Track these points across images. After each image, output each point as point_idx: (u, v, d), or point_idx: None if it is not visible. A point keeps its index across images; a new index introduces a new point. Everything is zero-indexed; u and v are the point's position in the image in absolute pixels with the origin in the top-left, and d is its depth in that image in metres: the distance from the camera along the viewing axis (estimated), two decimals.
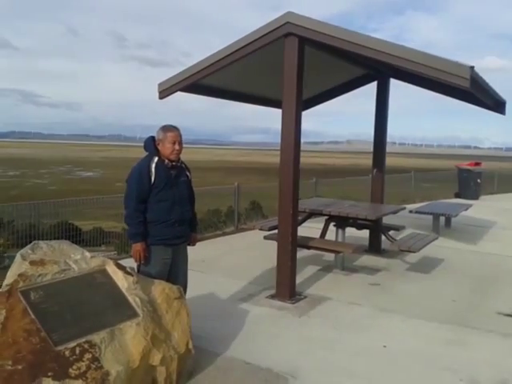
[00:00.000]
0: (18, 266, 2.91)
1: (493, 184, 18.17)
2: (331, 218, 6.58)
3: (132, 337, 2.91)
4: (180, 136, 3.64)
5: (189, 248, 3.96)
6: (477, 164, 16.25)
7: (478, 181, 15.57)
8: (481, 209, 12.36)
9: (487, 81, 4.69)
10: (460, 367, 3.60)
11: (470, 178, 15.44)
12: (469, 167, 15.84)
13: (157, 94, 5.69)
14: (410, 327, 4.42)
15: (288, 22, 4.66)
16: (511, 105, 5.91)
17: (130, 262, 3.63)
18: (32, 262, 2.96)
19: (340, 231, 6.49)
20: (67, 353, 2.61)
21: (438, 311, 4.85)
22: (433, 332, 4.31)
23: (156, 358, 2.96)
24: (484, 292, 5.60)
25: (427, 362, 3.70)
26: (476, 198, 15.22)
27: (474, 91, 4.24)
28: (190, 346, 3.29)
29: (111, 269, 3.25)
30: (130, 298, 3.11)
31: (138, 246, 3.51)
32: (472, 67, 3.93)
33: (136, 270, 3.54)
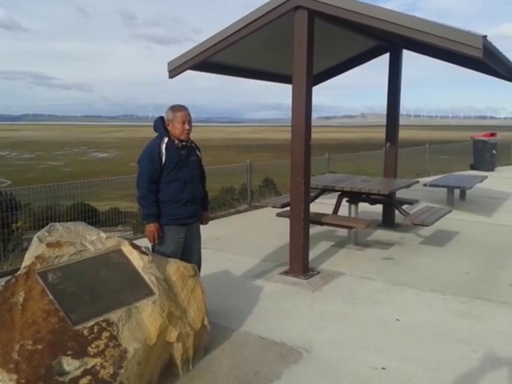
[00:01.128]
0: (35, 248, 2.98)
1: (509, 155, 17.88)
2: (344, 194, 6.57)
3: (149, 314, 2.98)
4: (189, 115, 3.64)
5: (203, 226, 4.01)
6: (492, 135, 15.97)
7: (494, 152, 15.34)
8: (496, 180, 12.22)
9: (503, 49, 4.57)
10: (473, 339, 3.62)
11: (485, 149, 15.22)
12: (484, 138, 15.60)
13: (167, 73, 5.67)
14: (423, 300, 4.44)
15: None
16: None
17: (146, 242, 3.69)
18: (49, 244, 3.02)
19: (353, 207, 6.49)
20: (85, 332, 2.69)
21: (452, 284, 4.86)
22: (446, 305, 4.33)
23: (172, 335, 3.03)
24: (498, 264, 5.57)
25: (440, 334, 3.72)
26: (491, 169, 15.02)
27: (487, 61, 4.14)
28: (206, 322, 3.36)
29: (126, 249, 3.31)
30: (145, 277, 3.18)
31: (151, 227, 3.56)
32: (484, 36, 3.84)
33: (151, 249, 3.60)
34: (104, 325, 2.76)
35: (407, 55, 7.23)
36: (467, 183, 9.34)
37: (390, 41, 6.78)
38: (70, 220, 6.65)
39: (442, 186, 9.24)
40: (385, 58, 7.30)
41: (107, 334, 2.73)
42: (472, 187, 9.30)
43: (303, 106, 4.79)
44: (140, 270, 3.20)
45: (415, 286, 4.79)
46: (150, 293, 3.09)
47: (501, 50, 4.51)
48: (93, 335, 2.69)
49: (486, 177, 10.50)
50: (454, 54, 4.28)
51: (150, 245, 3.67)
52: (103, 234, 3.32)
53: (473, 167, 15.35)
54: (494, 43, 4.15)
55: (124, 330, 2.80)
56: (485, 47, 3.83)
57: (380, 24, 4.26)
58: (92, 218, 7.40)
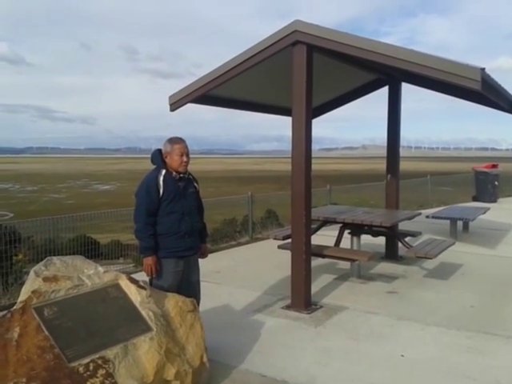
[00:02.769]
0: (32, 282, 2.93)
1: (511, 186, 17.86)
2: (345, 226, 6.52)
3: (146, 351, 2.90)
4: (187, 148, 3.65)
5: (204, 259, 3.96)
6: (494, 166, 16.00)
7: (496, 183, 15.33)
8: (499, 212, 12.16)
9: (501, 81, 4.61)
10: (480, 375, 3.51)
11: (487, 180, 15.22)
12: (485, 169, 15.62)
13: (168, 106, 5.73)
14: (428, 335, 4.34)
15: (296, 31, 4.66)
16: None
17: (145, 276, 3.63)
18: (45, 279, 2.97)
19: (355, 239, 6.43)
20: (81, 369, 2.61)
21: (457, 318, 4.76)
22: (452, 339, 4.22)
23: (170, 373, 2.95)
24: (503, 297, 5.47)
25: (446, 370, 3.61)
26: (494, 200, 14.98)
27: (486, 93, 4.17)
28: (205, 359, 3.27)
29: (124, 283, 3.25)
30: (143, 313, 3.11)
31: (149, 260, 3.52)
32: (483, 69, 3.87)
33: (149, 283, 3.55)
34: (100, 362, 2.69)
35: (407, 88, 7.32)
36: (470, 215, 9.29)
37: (389, 74, 6.87)
38: (72, 253, 6.61)
39: (445, 218, 9.19)
40: (385, 91, 7.39)
41: (103, 371, 2.65)
42: (475, 219, 9.25)
43: (303, 138, 4.81)
44: (137, 305, 3.14)
45: (420, 321, 4.69)
46: (148, 329, 3.02)
47: (499, 82, 4.56)
48: (88, 373, 2.62)
49: (488, 208, 10.46)
50: (453, 86, 4.32)
51: (148, 278, 3.62)
52: (101, 268, 3.28)
53: (475, 199, 15.31)
54: (492, 76, 4.20)
55: (120, 367, 2.73)
56: (483, 79, 3.86)
57: (378, 58, 4.31)
58: (93, 250, 7.36)
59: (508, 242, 8.77)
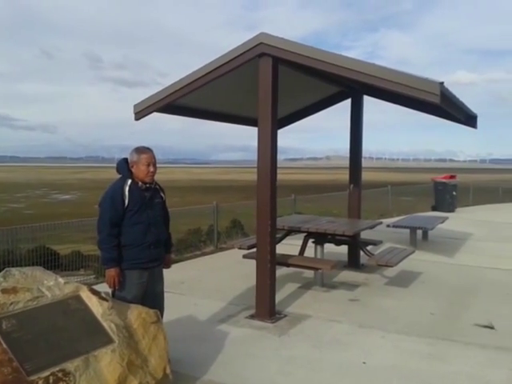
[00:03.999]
0: None
1: (468, 196, 18.52)
2: (310, 235, 6.60)
3: (107, 364, 2.85)
4: (154, 158, 3.62)
5: (168, 270, 3.92)
6: (452, 177, 16.57)
7: (454, 193, 15.86)
8: (457, 221, 12.57)
9: (458, 95, 4.80)
10: (439, 381, 3.61)
11: (446, 190, 15.72)
12: (444, 180, 16.15)
13: (133, 115, 5.68)
14: (389, 342, 4.43)
15: (261, 43, 4.73)
16: (482, 117, 6.03)
17: (107, 287, 3.57)
18: (4, 290, 2.88)
19: (319, 247, 6.51)
20: (40, 382, 2.54)
21: (417, 325, 4.88)
22: (412, 346, 4.33)
23: None
24: (461, 304, 5.66)
25: (407, 377, 3.70)
26: (452, 210, 15.48)
27: (445, 106, 4.32)
28: (168, 371, 3.23)
29: (85, 294, 3.19)
30: (105, 324, 3.05)
31: (112, 272, 3.45)
32: (441, 83, 4.01)
33: (111, 295, 3.48)
34: (60, 375, 2.62)
35: (369, 100, 7.51)
36: (429, 224, 9.57)
37: (351, 87, 7.04)
38: (31, 264, 6.40)
39: (405, 227, 9.43)
40: (348, 103, 7.55)
41: None
42: (434, 228, 9.53)
43: (269, 148, 4.87)
44: (99, 317, 3.08)
45: (381, 328, 4.78)
46: (110, 341, 2.97)
47: (457, 95, 4.73)
48: None
49: (447, 218, 10.80)
50: (413, 99, 4.47)
51: (110, 290, 3.55)
52: (61, 280, 3.20)
53: (434, 208, 15.78)
54: (450, 90, 4.36)
55: (81, 380, 2.67)
56: (442, 93, 4.01)
57: (341, 71, 4.42)
58: (53, 261, 7.18)
59: (466, 250, 9.07)
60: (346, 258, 7.50)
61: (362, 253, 7.08)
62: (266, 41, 4.70)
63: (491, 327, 4.81)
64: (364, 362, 3.96)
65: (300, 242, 6.77)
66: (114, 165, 3.70)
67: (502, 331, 4.71)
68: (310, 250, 6.59)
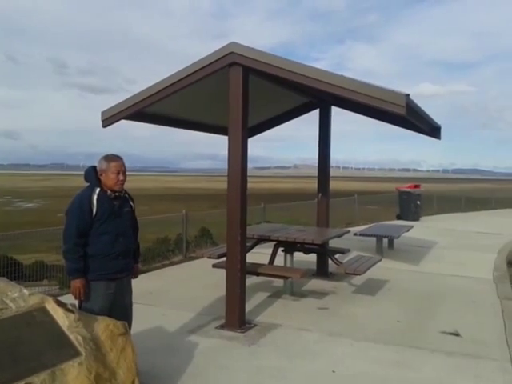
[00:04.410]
0: None
1: (432, 205, 19.00)
2: (279, 244, 6.63)
3: (74, 377, 2.77)
4: (124, 166, 3.56)
5: (136, 280, 3.85)
6: (416, 186, 16.98)
7: (418, 202, 16.24)
8: (421, 230, 12.87)
9: (422, 106, 4.92)
10: None
11: (410, 200, 16.09)
12: (408, 189, 16.53)
13: (100, 122, 5.58)
14: (357, 350, 4.47)
15: (232, 52, 4.75)
16: (445, 128, 6.20)
17: (71, 298, 3.47)
18: None
19: (288, 256, 6.54)
20: None
21: (384, 333, 4.95)
22: (380, 354, 4.38)
23: None
24: (427, 311, 5.77)
25: None
26: (416, 219, 15.84)
27: (410, 118, 4.43)
28: (137, 383, 3.16)
29: (51, 306, 3.09)
30: (71, 337, 2.97)
31: (77, 283, 3.36)
32: (407, 95, 4.10)
33: (78, 306, 3.39)
34: None
35: (337, 110, 7.63)
36: (395, 233, 9.76)
37: (320, 98, 7.14)
38: None
39: (372, 236, 9.59)
40: (316, 113, 7.66)
41: None
42: (399, 236, 9.72)
43: (239, 156, 4.87)
44: (65, 330, 2.99)
45: (349, 336, 4.83)
46: (76, 354, 2.89)
47: (421, 107, 4.86)
48: None
49: (411, 226, 11.04)
50: (379, 110, 4.56)
51: (76, 301, 3.46)
52: (26, 291, 3.10)
53: (399, 217, 16.12)
54: (415, 101, 4.47)
55: None
56: (408, 105, 4.10)
57: (310, 82, 4.48)
58: (15, 272, 6.97)
59: (430, 258, 9.29)
60: (314, 267, 7.55)
61: (330, 261, 7.16)
62: (237, 50, 4.72)
63: (457, 334, 4.92)
64: (333, 371, 3.98)
65: (270, 251, 6.78)
66: (80, 172, 3.63)
67: (468, 338, 4.83)
68: (280, 259, 6.61)
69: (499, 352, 4.45)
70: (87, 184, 3.54)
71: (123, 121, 5.69)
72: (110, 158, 3.52)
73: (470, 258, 9.27)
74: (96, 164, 3.57)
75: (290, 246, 6.54)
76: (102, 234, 3.41)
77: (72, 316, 3.07)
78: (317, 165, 7.88)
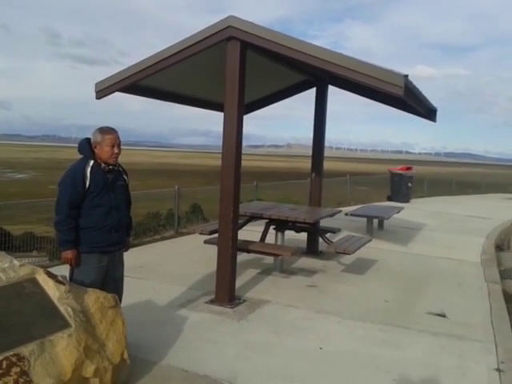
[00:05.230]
0: None
1: (423, 187, 19.12)
2: (271, 222, 6.65)
3: (63, 348, 2.78)
4: (119, 138, 3.52)
5: (126, 254, 3.85)
6: (408, 168, 17.04)
7: (409, 184, 16.33)
8: (411, 211, 12.96)
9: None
10: (393, 367, 3.73)
11: (402, 181, 16.17)
12: (400, 171, 16.60)
13: (94, 94, 5.50)
14: (345, 328, 4.54)
15: (230, 26, 4.66)
16: (438, 111, 6.18)
17: (62, 270, 3.48)
18: None
19: (279, 234, 6.57)
20: None
21: (372, 312, 5.02)
22: (367, 332, 4.45)
23: (89, 370, 2.85)
24: (415, 292, 5.85)
25: (362, 362, 3.80)
26: (407, 201, 15.95)
27: (407, 99, 4.39)
28: (126, 355, 3.19)
29: (41, 277, 3.08)
30: (61, 308, 2.97)
31: (68, 254, 3.36)
32: (406, 76, 4.06)
33: (68, 278, 3.39)
34: (14, 359, 2.54)
35: (332, 90, 7.58)
36: (385, 214, 9.83)
37: (317, 76, 7.07)
38: None
39: (362, 216, 9.64)
40: (312, 92, 7.59)
41: (17, 369, 2.51)
42: (390, 218, 9.79)
43: (234, 134, 4.83)
44: (55, 301, 2.99)
45: (337, 314, 4.89)
46: (66, 325, 2.89)
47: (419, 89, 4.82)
48: (1, 371, 2.46)
49: (402, 208, 11.12)
50: (377, 91, 4.53)
51: (67, 273, 3.46)
52: (16, 262, 3.08)
53: (390, 198, 16.21)
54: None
55: (36, 365, 2.60)
56: (406, 86, 4.06)
57: (308, 59, 4.42)
58: (5, 242, 6.94)
59: (419, 239, 9.38)
60: (305, 245, 7.60)
61: (320, 240, 7.20)
62: (235, 24, 4.63)
63: (443, 315, 5.00)
64: (321, 348, 4.04)
65: (261, 229, 6.80)
66: (72, 145, 3.59)
67: (453, 319, 4.91)
68: (271, 237, 6.64)
69: (484, 334, 4.54)
70: (80, 156, 3.50)
71: (117, 94, 5.62)
72: (105, 131, 3.48)
73: (459, 241, 9.37)
74: (89, 136, 3.53)
75: (281, 225, 6.56)
76: (96, 207, 3.40)
77: (62, 288, 3.07)
78: (310, 144, 7.85)
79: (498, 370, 3.75)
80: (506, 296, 5.88)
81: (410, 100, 4.56)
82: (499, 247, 9.31)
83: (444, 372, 3.68)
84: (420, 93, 4.90)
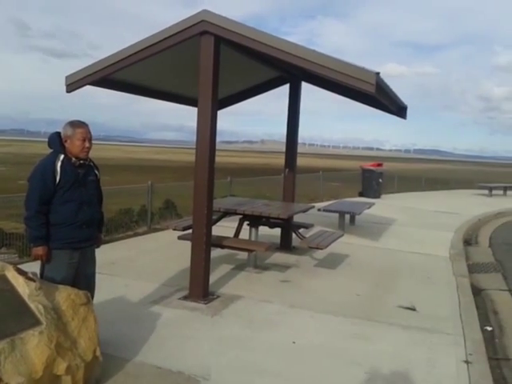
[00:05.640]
0: None
1: (393, 184, 19.45)
2: (245, 217, 6.66)
3: (35, 346, 2.73)
4: (90, 133, 3.46)
5: (98, 250, 3.79)
6: (379, 165, 17.34)
7: (380, 180, 16.61)
8: (382, 207, 13.18)
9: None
10: (364, 360, 3.80)
11: (373, 177, 16.44)
12: (371, 168, 16.86)
13: (64, 87, 5.39)
14: (317, 322, 4.60)
15: (203, 20, 4.63)
16: (409, 109, 6.31)
17: (33, 267, 3.40)
18: None
19: (253, 230, 6.59)
20: None
21: (344, 306, 5.10)
22: (339, 326, 4.52)
23: (61, 368, 2.81)
24: (385, 286, 5.97)
25: (334, 356, 3.86)
26: (378, 196, 16.22)
27: (379, 96, 4.46)
28: (98, 353, 3.16)
29: (11, 274, 3.02)
30: (32, 306, 2.91)
31: (39, 250, 3.29)
32: (378, 73, 4.12)
33: (39, 275, 3.32)
34: None
35: (305, 87, 7.62)
36: (357, 209, 9.97)
37: (291, 72, 7.10)
38: None
39: (335, 211, 9.76)
40: (286, 88, 7.62)
41: None
42: (361, 213, 9.94)
43: (208, 129, 4.81)
44: (26, 298, 2.93)
45: (310, 308, 4.94)
46: (37, 322, 2.84)
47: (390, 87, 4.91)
48: None
49: (373, 203, 11.30)
50: (349, 88, 4.58)
51: (38, 270, 3.39)
52: None
53: (361, 194, 16.46)
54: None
55: (6, 363, 2.55)
56: (377, 83, 4.13)
57: (282, 55, 4.43)
58: None
59: (390, 235, 9.55)
60: (278, 241, 7.65)
61: (294, 235, 7.26)
62: (209, 18, 4.61)
63: (413, 309, 5.12)
64: (294, 342, 4.08)
65: (235, 225, 6.81)
66: (40, 139, 3.51)
67: (423, 313, 5.03)
68: (245, 233, 6.65)
69: (453, 326, 4.66)
70: (50, 150, 3.43)
71: (88, 87, 5.52)
72: (76, 124, 3.41)
73: (428, 236, 9.59)
74: (59, 130, 3.45)
75: (255, 220, 6.58)
76: (66, 202, 3.33)
77: (33, 285, 3.01)
78: (284, 140, 7.90)
79: (467, 361, 3.87)
80: (473, 289, 6.06)
81: (382, 97, 4.64)
82: (467, 242, 9.57)
83: (414, 364, 3.78)
84: (391, 90, 4.98)
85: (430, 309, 5.16)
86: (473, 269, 7.21)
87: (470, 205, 15.84)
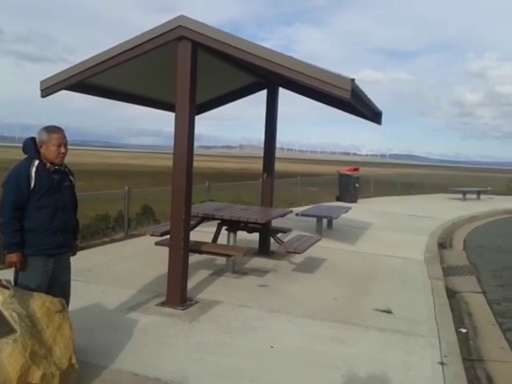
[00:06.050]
0: None
1: (369, 188, 19.71)
2: (223, 222, 6.66)
3: (8, 354, 2.69)
4: (65, 138, 3.43)
5: (74, 257, 3.74)
6: (355, 169, 17.57)
7: (356, 185, 16.83)
8: (359, 211, 13.34)
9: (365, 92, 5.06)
10: (342, 363, 3.84)
11: (349, 182, 16.64)
12: (348, 172, 17.07)
13: (39, 92, 5.31)
14: (295, 326, 4.62)
15: (180, 26, 4.63)
16: (384, 115, 6.42)
17: (6, 274, 3.34)
18: None
19: (232, 235, 6.59)
20: None
21: (321, 309, 5.14)
22: (316, 330, 4.55)
23: (36, 376, 2.77)
24: (362, 290, 6.04)
25: (312, 359, 3.89)
26: (354, 201, 16.41)
27: (354, 102, 4.53)
28: (74, 360, 3.11)
29: None
30: (6, 313, 2.86)
31: (13, 257, 3.24)
32: (353, 79, 4.19)
33: (13, 282, 3.26)
34: None
35: (282, 92, 7.70)
36: (334, 213, 10.07)
37: (268, 78, 7.15)
38: None
39: (312, 216, 9.85)
40: (264, 94, 7.67)
41: None
42: (338, 217, 10.05)
43: (186, 134, 4.81)
44: (0, 306, 2.88)
45: (288, 313, 4.97)
46: (11, 330, 2.79)
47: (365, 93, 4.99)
48: None
49: (350, 208, 11.43)
50: (324, 94, 4.64)
51: (11, 277, 3.33)
52: None
53: (338, 199, 16.63)
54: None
55: None
56: (353, 89, 4.20)
57: (259, 61, 4.47)
58: None
59: (366, 238, 9.67)
60: (256, 245, 7.66)
61: (272, 240, 7.28)
62: (186, 24, 4.62)
63: (389, 312, 5.19)
64: (272, 346, 4.10)
65: (213, 230, 6.80)
66: (15, 144, 3.46)
67: (399, 316, 5.10)
68: (223, 238, 6.65)
69: (428, 329, 4.74)
70: (25, 156, 3.38)
71: (63, 92, 5.46)
72: (52, 130, 3.38)
73: (404, 240, 9.74)
74: (34, 135, 3.41)
75: (233, 225, 6.59)
76: (41, 209, 3.29)
77: (7, 292, 2.96)
78: (262, 145, 7.94)
79: (442, 363, 3.94)
80: (448, 292, 6.18)
81: (357, 103, 4.71)
82: (442, 245, 9.76)
83: (390, 367, 3.83)
84: (366, 96, 5.06)
85: (406, 311, 5.24)
86: (447, 272, 7.36)
87: (444, 209, 16.15)
